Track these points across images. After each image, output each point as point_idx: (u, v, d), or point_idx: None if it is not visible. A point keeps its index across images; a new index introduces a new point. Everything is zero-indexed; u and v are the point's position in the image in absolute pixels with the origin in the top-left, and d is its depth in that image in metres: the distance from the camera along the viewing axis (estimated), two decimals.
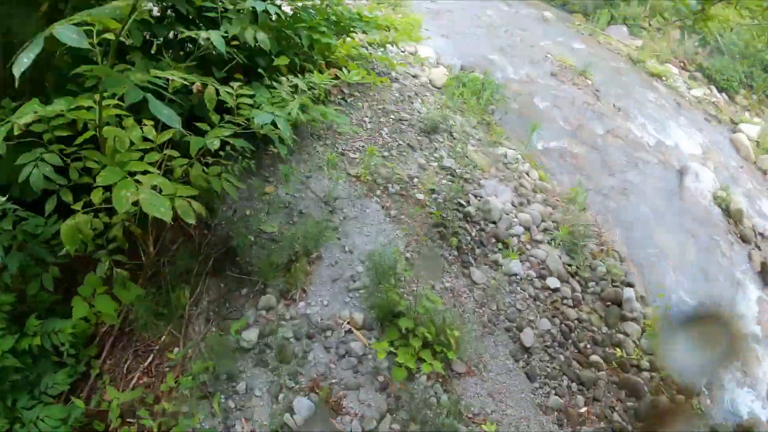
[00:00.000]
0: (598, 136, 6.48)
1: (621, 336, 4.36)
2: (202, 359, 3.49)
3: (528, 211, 4.72)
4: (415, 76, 6.48)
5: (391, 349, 3.45)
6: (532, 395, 3.83)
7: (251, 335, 3.60)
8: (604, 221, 5.13)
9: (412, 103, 5.90)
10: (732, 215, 6.30)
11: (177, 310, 3.83)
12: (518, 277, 4.23)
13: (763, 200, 6.89)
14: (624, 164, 6.25)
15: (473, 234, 4.37)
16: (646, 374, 4.28)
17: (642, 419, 4.11)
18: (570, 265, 4.52)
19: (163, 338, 3.77)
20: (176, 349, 3.61)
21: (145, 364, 3.69)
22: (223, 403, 3.43)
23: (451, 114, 5.82)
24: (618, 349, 4.28)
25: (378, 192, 4.52)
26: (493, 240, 4.41)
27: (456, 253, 4.23)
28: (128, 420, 3.44)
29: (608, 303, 4.49)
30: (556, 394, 3.87)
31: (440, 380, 3.62)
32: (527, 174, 5.24)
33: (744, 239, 6.13)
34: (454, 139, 5.37)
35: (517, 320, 4.04)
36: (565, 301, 4.28)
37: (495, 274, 4.19)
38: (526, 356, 3.94)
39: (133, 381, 3.63)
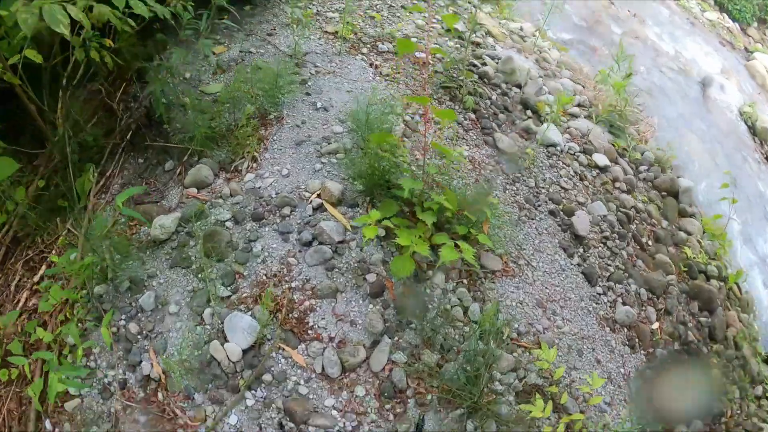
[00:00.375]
0: (615, 34, 4.61)
1: (683, 234, 2.57)
2: (100, 264, 1.67)
3: (557, 81, 2.88)
4: None
5: (388, 226, 1.63)
6: (595, 304, 2.04)
7: (167, 222, 1.76)
8: (641, 110, 3.28)
9: None
10: (759, 134, 4.42)
11: (80, 201, 2.00)
12: (558, 148, 2.41)
13: None
14: (646, 65, 4.38)
15: (494, 98, 2.54)
16: (714, 283, 2.51)
17: (716, 340, 2.35)
18: (615, 145, 2.70)
19: (59, 240, 1.94)
20: (74, 254, 1.79)
21: (36, 277, 1.87)
22: (123, 327, 1.63)
23: None
24: (686, 250, 2.49)
25: (364, 50, 2.64)
26: (520, 107, 2.58)
27: (473, 116, 2.39)
28: (6, 359, 1.67)
29: (664, 193, 2.68)
30: (624, 303, 2.09)
31: (465, 280, 1.81)
32: (548, 50, 3.38)
33: None
34: (459, 5, 3.44)
35: (563, 201, 2.22)
36: (617, 185, 2.47)
37: (528, 144, 2.36)
38: (581, 249, 2.14)
39: (21, 303, 1.82)
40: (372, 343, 1.58)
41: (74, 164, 1.96)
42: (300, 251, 1.70)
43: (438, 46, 2.79)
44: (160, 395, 1.54)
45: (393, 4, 3.07)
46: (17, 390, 1.62)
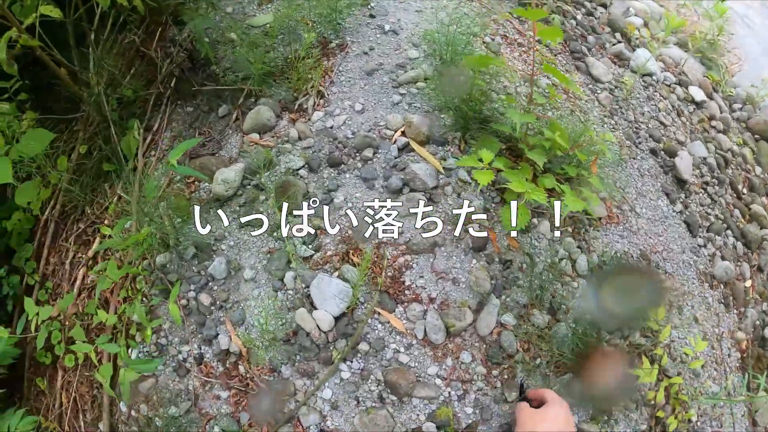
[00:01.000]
0: None
1: None
2: (159, 232, 1.45)
3: (642, 2, 2.50)
4: None
5: (498, 168, 1.39)
6: (696, 257, 1.84)
7: (231, 175, 1.51)
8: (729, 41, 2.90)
9: None
10: None
11: (128, 162, 1.75)
12: (654, 78, 2.09)
13: None
14: None
15: (579, 18, 2.19)
16: None
17: None
18: (710, 78, 2.37)
19: (110, 208, 1.72)
20: (128, 223, 1.57)
21: (90, 252, 1.67)
22: (193, 299, 1.44)
23: None
24: None
25: None
26: (608, 29, 2.23)
27: (560, 40, 2.06)
28: (69, 346, 1.53)
29: (757, 136, 2.38)
30: (723, 258, 1.89)
31: (570, 228, 1.60)
32: None
33: None
34: None
35: (663, 139, 1.95)
36: (713, 123, 2.17)
37: (623, 72, 2.06)
38: (682, 195, 1.90)
39: (78, 281, 1.64)
40: (478, 303, 1.40)
41: (115, 123, 1.68)
42: (388, 197, 1.46)
43: None
44: (241, 368, 1.34)
45: None
46: (86, 373, 1.47)
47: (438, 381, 1.31)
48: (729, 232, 1.97)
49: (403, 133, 1.54)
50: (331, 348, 1.31)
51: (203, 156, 1.65)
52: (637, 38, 2.17)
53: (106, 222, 1.66)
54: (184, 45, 1.94)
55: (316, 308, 1.32)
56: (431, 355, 1.32)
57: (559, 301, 1.47)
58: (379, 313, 1.33)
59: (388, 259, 1.38)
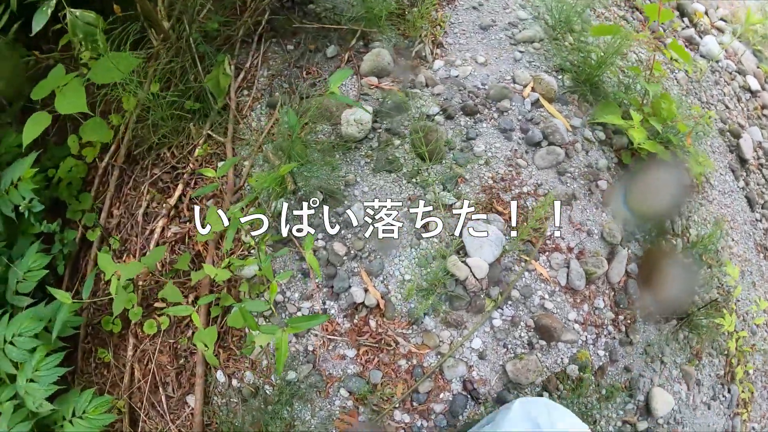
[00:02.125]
0: None
1: None
2: (268, 176, 1.36)
3: None
4: None
5: (630, 122, 1.46)
6: (754, 230, 2.05)
7: (364, 116, 1.46)
8: None
9: None
10: None
11: (216, 100, 1.62)
12: (720, 65, 2.27)
13: None
14: None
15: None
16: None
17: None
18: (763, 69, 2.60)
19: (196, 151, 1.56)
20: (220, 164, 1.47)
21: (172, 200, 1.52)
22: (323, 249, 1.37)
23: None
24: None
25: None
26: (677, 12, 2.38)
27: (640, 17, 2.16)
28: (155, 307, 1.37)
29: None
30: None
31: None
32: None
33: None
34: None
35: (728, 122, 2.13)
36: (765, 112, 2.40)
37: (695, 56, 2.21)
38: (744, 173, 2.10)
39: (155, 235, 1.47)
40: (609, 253, 1.48)
41: (202, 55, 1.56)
42: (527, 152, 1.49)
43: None
44: (372, 323, 1.32)
45: None
46: (170, 341, 1.35)
47: (576, 326, 1.38)
48: None
49: (533, 89, 1.58)
50: (482, 296, 1.34)
51: (318, 96, 1.58)
52: (702, 24, 2.33)
53: (191, 166, 1.53)
54: None
55: (469, 255, 1.33)
56: (571, 301, 1.39)
57: (665, 256, 1.59)
58: (526, 260, 1.38)
59: (529, 209, 1.43)
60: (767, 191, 2.16)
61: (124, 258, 1.53)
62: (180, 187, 1.55)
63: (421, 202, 1.39)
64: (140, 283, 1.43)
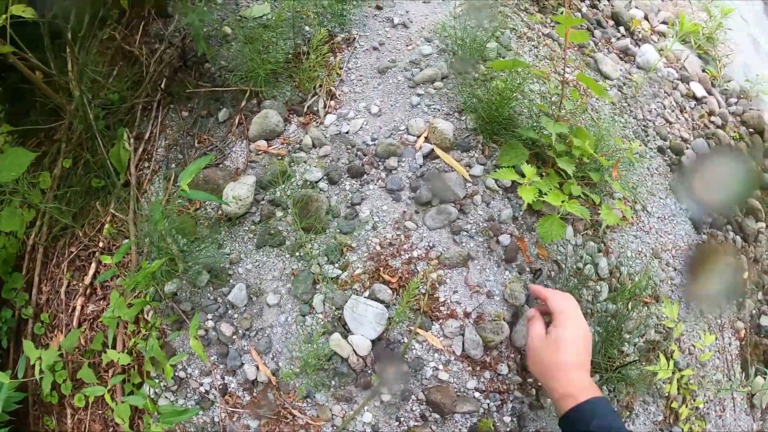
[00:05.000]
0: None
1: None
2: (165, 253, 1.35)
3: None
4: None
5: (537, 181, 1.40)
6: None
7: (242, 191, 1.43)
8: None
9: None
10: None
11: (119, 176, 1.61)
12: (659, 75, 2.17)
13: None
14: None
15: (584, 11, 2.21)
16: None
17: None
18: (708, 72, 2.48)
19: (104, 229, 1.58)
20: (125, 242, 1.47)
21: (87, 279, 1.54)
22: (212, 329, 1.38)
23: None
24: None
25: None
26: (612, 22, 2.27)
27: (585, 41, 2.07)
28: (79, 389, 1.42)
29: (751, 130, 2.52)
30: (724, 254, 2.03)
31: (590, 231, 1.65)
32: None
33: None
34: None
35: (669, 137, 2.04)
36: (712, 119, 2.28)
37: (630, 68, 2.11)
38: (688, 192, 2.01)
39: (77, 312, 1.51)
40: (512, 315, 1.43)
41: (102, 133, 1.55)
42: (417, 212, 1.44)
43: None
44: (270, 396, 1.31)
45: None
46: (99, 411, 1.38)
47: (477, 394, 1.33)
48: (729, 227, 2.11)
49: (427, 139, 1.52)
50: (369, 372, 1.30)
51: (207, 167, 1.55)
52: (640, 32, 2.23)
53: (101, 244, 1.53)
54: (173, 42, 1.80)
55: (351, 332, 1.30)
56: (470, 370, 1.35)
57: (584, 305, 1.53)
58: (416, 333, 1.34)
59: (418, 273, 1.38)
60: (713, 209, 2.07)
61: (55, 333, 1.58)
62: (93, 265, 1.58)
63: (305, 278, 1.36)
64: (69, 358, 1.48)
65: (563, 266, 1.51)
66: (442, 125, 1.50)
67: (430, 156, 1.50)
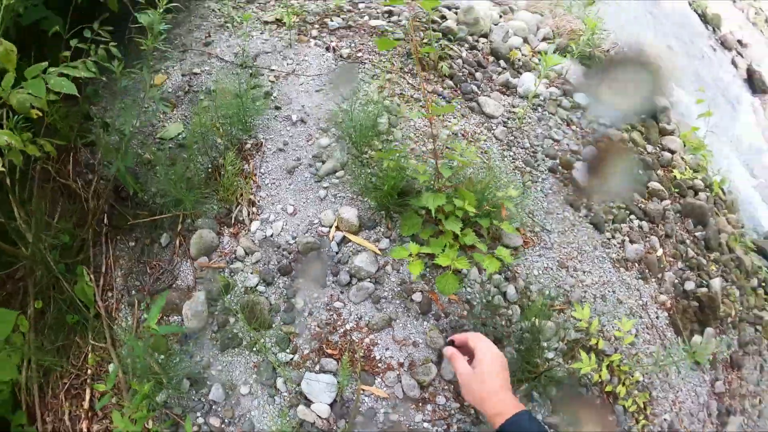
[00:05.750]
0: None
1: (668, 154, 2.93)
2: (146, 371, 1.74)
3: (518, 18, 2.97)
4: None
5: (423, 249, 1.81)
6: (608, 250, 2.40)
7: (197, 307, 1.84)
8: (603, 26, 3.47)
9: None
10: (710, 21, 4.97)
11: (89, 310, 1.98)
12: (541, 98, 2.60)
13: (730, 6, 5.59)
14: None
15: (464, 56, 2.63)
16: (703, 195, 2.94)
17: (712, 247, 2.80)
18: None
19: (89, 358, 1.96)
20: (111, 367, 1.86)
21: (85, 404, 1.92)
22: (203, 425, 1.78)
23: None
24: (674, 170, 2.86)
25: (314, 32, 2.59)
26: (492, 58, 2.70)
27: (451, 83, 2.50)
28: None
29: (643, 115, 2.97)
30: (631, 242, 2.46)
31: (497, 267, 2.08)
32: None
33: (725, 46, 4.88)
34: None
35: (558, 155, 2.47)
36: (600, 121, 2.72)
37: (513, 101, 2.53)
38: (584, 200, 2.44)
39: None
40: (438, 356, 1.85)
41: (63, 274, 1.92)
42: (342, 293, 1.87)
43: (387, 4, 2.76)
44: None
45: None
46: None
47: (426, 424, 1.76)
48: (633, 216, 2.54)
49: (338, 227, 1.93)
50: (334, 429, 1.72)
51: (162, 290, 1.95)
52: (519, 61, 2.65)
53: (89, 371, 1.93)
54: (104, 175, 2.17)
55: (311, 402, 1.71)
56: (414, 407, 1.77)
57: (500, 330, 1.96)
58: (363, 390, 1.75)
59: (356, 342, 1.79)
60: (615, 204, 2.50)
61: None
62: (88, 391, 1.96)
63: (266, 367, 1.77)
64: None
65: (474, 303, 1.93)
66: (347, 213, 1.92)
67: (343, 242, 1.91)
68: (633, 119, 2.86)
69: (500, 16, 2.89)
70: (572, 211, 2.39)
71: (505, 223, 2.04)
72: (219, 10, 2.61)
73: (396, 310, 1.87)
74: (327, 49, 2.49)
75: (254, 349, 1.83)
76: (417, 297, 1.88)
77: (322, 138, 2.16)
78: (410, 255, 1.72)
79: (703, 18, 4.79)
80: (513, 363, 1.93)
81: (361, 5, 2.76)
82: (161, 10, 1.78)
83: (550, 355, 2.05)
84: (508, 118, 2.44)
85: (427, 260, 1.98)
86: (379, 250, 1.93)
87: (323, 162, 2.09)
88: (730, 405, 2.54)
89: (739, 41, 4.81)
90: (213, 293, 1.90)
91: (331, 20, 2.63)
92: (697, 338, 2.61)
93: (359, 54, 2.49)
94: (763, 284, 2.94)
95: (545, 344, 2.06)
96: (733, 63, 4.56)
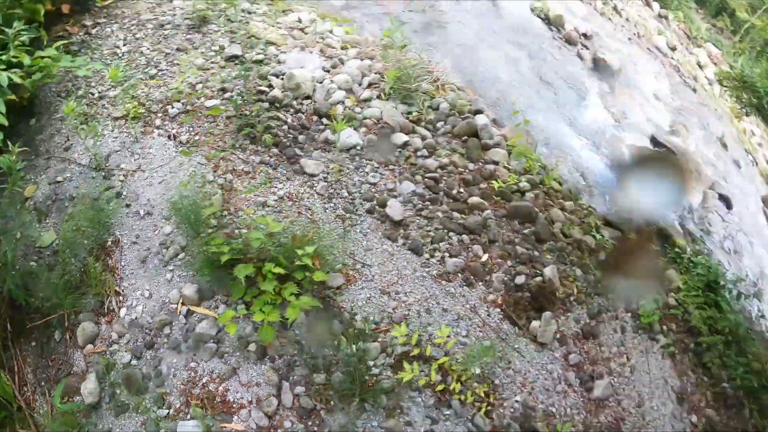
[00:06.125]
0: None
1: (491, 167, 3.55)
2: None
3: (344, 71, 3.50)
4: None
5: (245, 311, 2.46)
6: (427, 269, 3.05)
7: (91, 386, 2.50)
8: (430, 57, 4.01)
9: (171, 1, 4.15)
10: (553, 22, 5.65)
11: (12, 405, 2.58)
12: (359, 147, 3.18)
13: (575, 3, 6.29)
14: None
15: (289, 120, 3.18)
16: (530, 194, 3.49)
17: (544, 239, 3.40)
18: (410, 113, 3.50)
19: None
20: None
21: None
22: None
23: None
24: (494, 182, 3.46)
25: (158, 122, 3.11)
26: (315, 118, 3.26)
27: (277, 151, 3.08)
28: None
29: (464, 138, 3.57)
30: (451, 256, 3.10)
31: (321, 306, 2.73)
32: (331, 32, 3.96)
33: (570, 42, 5.57)
34: (233, 22, 3.82)
35: (375, 196, 3.10)
36: (419, 154, 3.34)
37: (332, 156, 3.11)
38: (401, 231, 3.09)
39: None
40: (277, 390, 2.52)
41: None
42: (195, 355, 2.52)
43: (223, 82, 3.26)
44: None
45: (168, 50, 3.38)
46: None
47: None
48: (452, 234, 3.16)
49: (183, 303, 2.55)
50: None
51: (63, 377, 2.56)
52: (341, 114, 3.20)
53: None
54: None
55: None
56: None
57: (329, 359, 2.62)
58: (225, 427, 2.42)
59: (212, 391, 2.45)
60: (432, 227, 3.12)
61: None
62: None
63: (149, 423, 2.43)
64: None
65: (303, 343, 2.59)
66: (188, 291, 2.59)
67: (188, 313, 2.53)
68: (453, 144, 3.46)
69: (328, 71, 3.40)
70: (390, 243, 3.03)
71: (318, 272, 2.67)
72: (74, 109, 3.06)
73: (238, 360, 2.55)
74: (169, 137, 3.01)
75: (138, 410, 2.48)
76: (252, 347, 2.54)
77: (165, 226, 2.77)
78: (224, 317, 2.38)
79: (547, 21, 5.38)
80: (342, 383, 2.59)
81: (198, 86, 3.25)
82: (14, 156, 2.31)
83: (377, 371, 2.70)
84: (328, 174, 3.02)
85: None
86: (217, 315, 2.56)
87: (167, 248, 2.69)
88: (593, 371, 3.00)
89: (584, 34, 5.49)
90: (100, 373, 2.53)
91: (172, 107, 3.13)
92: (535, 323, 3.02)
93: (196, 137, 3.02)
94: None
95: (371, 363, 2.73)
96: (579, 56, 5.21)
